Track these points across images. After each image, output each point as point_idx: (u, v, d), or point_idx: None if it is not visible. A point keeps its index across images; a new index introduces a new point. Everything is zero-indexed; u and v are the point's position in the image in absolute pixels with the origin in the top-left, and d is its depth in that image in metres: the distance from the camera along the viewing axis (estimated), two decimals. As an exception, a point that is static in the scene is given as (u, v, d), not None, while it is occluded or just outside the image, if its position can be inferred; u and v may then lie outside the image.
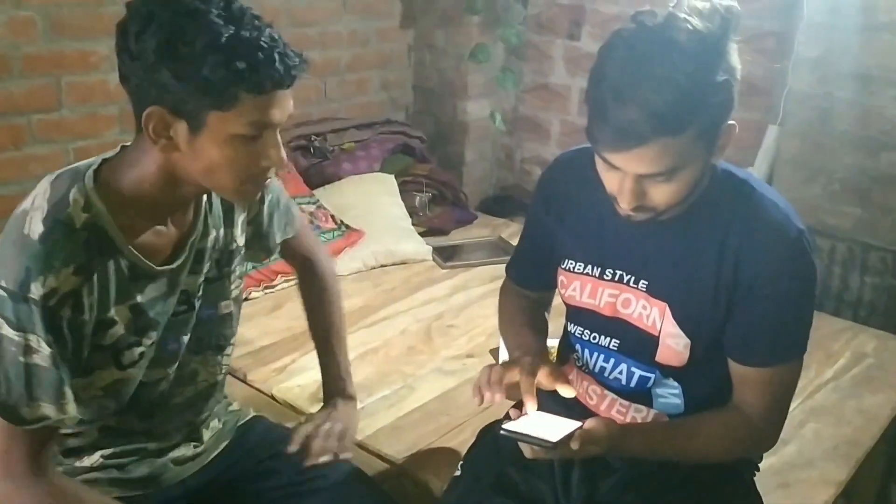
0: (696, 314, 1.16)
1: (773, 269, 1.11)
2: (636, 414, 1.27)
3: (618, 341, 1.24)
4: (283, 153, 1.06)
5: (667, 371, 1.21)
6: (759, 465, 1.37)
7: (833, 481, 1.62)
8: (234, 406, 1.45)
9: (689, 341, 1.17)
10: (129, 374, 1.14)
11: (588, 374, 1.31)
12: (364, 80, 3.10)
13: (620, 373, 1.25)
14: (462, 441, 1.58)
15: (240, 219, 1.27)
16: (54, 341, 1.01)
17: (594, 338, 1.26)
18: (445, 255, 2.59)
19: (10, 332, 1.00)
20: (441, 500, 1.38)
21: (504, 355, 1.93)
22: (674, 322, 1.17)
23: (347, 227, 2.50)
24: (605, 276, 1.23)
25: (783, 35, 2.41)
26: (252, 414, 1.48)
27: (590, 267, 1.25)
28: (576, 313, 1.29)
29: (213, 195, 1.20)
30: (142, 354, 1.14)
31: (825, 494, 1.58)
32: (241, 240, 1.28)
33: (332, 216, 2.50)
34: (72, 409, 1.06)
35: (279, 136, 1.06)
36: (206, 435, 1.35)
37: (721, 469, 1.27)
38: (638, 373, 1.23)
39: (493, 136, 3.29)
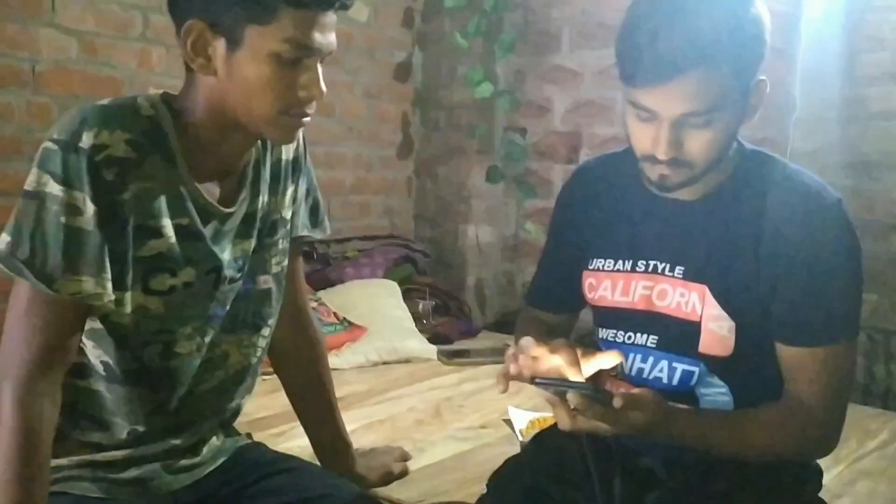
0: (739, 292, 1.08)
1: (815, 237, 1.05)
2: None
3: (655, 337, 1.14)
4: (323, 85, 1.03)
5: (712, 364, 1.11)
6: (823, 481, 1.23)
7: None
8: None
9: (733, 324, 1.08)
10: (151, 306, 1.04)
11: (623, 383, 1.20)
12: (367, 203, 3.15)
13: (661, 371, 1.14)
14: (479, 491, 1.42)
15: (288, 191, 1.21)
16: (98, 202, 0.96)
17: (629, 338, 1.17)
18: (451, 354, 2.48)
19: (55, 188, 0.94)
20: None
21: (517, 422, 1.80)
22: (715, 303, 1.09)
23: (350, 322, 2.42)
24: (637, 269, 1.16)
25: (776, 140, 2.50)
26: (252, 441, 1.34)
27: (621, 262, 1.18)
28: (607, 316, 1.20)
29: (264, 161, 1.16)
30: (172, 288, 1.05)
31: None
32: (286, 212, 1.21)
33: (335, 313, 2.42)
34: (110, 287, 0.99)
35: (320, 68, 1.03)
36: (204, 449, 1.21)
37: (780, 479, 1.13)
38: (680, 368, 1.12)
39: (495, 261, 3.29)
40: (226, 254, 1.10)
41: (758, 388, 1.11)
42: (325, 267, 2.67)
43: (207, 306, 1.10)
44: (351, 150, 3.08)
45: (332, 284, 2.62)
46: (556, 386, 0.97)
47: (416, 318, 2.63)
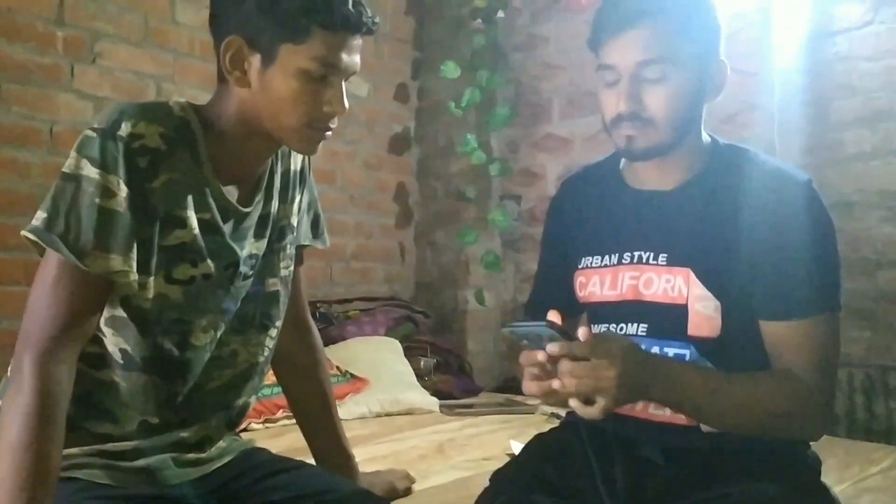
0: (721, 271, 1.13)
1: (787, 213, 1.11)
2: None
3: (646, 325, 1.18)
4: (346, 102, 1.12)
5: (701, 346, 1.14)
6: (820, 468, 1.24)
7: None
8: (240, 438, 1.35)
9: (718, 303, 1.12)
10: (172, 295, 1.10)
11: None
12: (368, 269, 3.22)
13: None
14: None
15: (297, 198, 1.29)
16: (130, 186, 1.03)
17: (621, 329, 1.20)
18: (454, 407, 2.49)
19: (91, 171, 1.01)
20: None
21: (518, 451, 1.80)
22: (700, 284, 1.14)
23: (352, 375, 2.44)
24: (623, 261, 1.21)
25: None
26: (256, 444, 1.36)
27: (608, 257, 1.23)
28: (598, 311, 1.25)
29: (276, 169, 1.23)
30: (192, 279, 1.11)
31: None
32: (294, 219, 1.28)
33: (337, 366, 2.45)
34: (135, 266, 1.05)
35: (344, 87, 1.12)
36: (211, 447, 1.24)
37: (779, 464, 1.15)
38: (671, 352, 1.15)
39: (494, 326, 3.33)
40: (244, 251, 1.17)
41: (746, 371, 1.13)
42: (327, 326, 2.71)
43: (222, 300, 1.16)
44: (352, 217, 3.17)
45: (333, 342, 2.64)
46: (524, 327, 1.01)
47: (418, 374, 2.65)
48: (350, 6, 1.06)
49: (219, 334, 1.17)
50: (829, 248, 1.13)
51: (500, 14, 3.14)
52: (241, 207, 1.15)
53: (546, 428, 2.17)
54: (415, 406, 2.44)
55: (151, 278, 1.08)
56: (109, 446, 1.13)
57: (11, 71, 2.19)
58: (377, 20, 1.11)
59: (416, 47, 3.41)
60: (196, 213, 1.10)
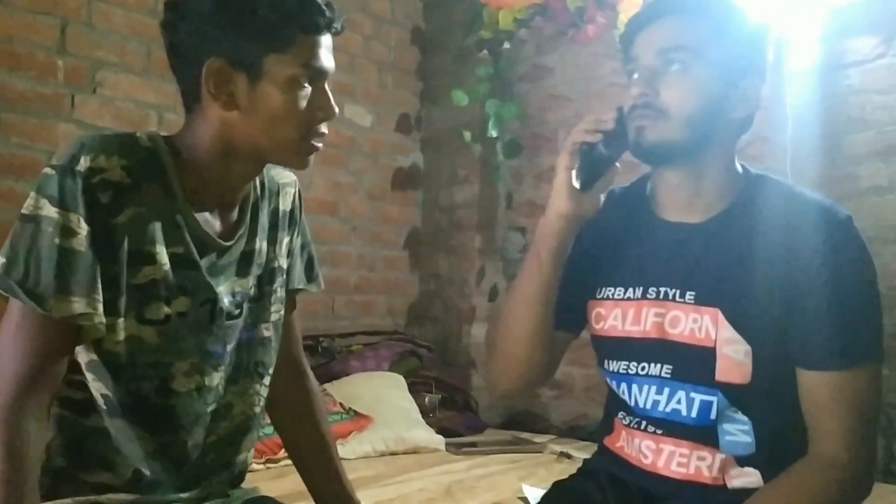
0: (753, 313, 1.06)
1: (829, 255, 1.03)
2: (699, 462, 1.11)
3: (670, 367, 1.11)
4: (335, 105, 1.08)
5: (730, 392, 1.07)
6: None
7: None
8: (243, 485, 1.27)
9: (749, 348, 1.05)
10: (146, 336, 1.03)
11: (638, 428, 1.16)
12: (371, 302, 3.16)
13: (678, 402, 1.11)
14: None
15: (284, 241, 1.23)
16: (92, 223, 0.97)
17: (643, 368, 1.13)
18: (460, 445, 2.42)
19: (50, 210, 0.95)
20: None
21: (532, 500, 1.73)
22: (729, 326, 1.07)
23: (356, 412, 2.37)
24: (648, 296, 1.14)
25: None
26: (261, 493, 1.29)
27: (630, 290, 1.16)
28: (617, 347, 1.17)
29: (262, 207, 1.18)
30: (167, 317, 1.04)
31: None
32: (283, 262, 1.23)
33: (340, 403, 2.38)
34: (100, 308, 0.98)
35: (328, 88, 1.08)
36: (213, 500, 1.17)
37: None
38: (698, 398, 1.09)
39: (500, 361, 3.26)
40: (222, 287, 1.10)
41: (779, 422, 1.08)
42: (329, 360, 2.65)
43: (205, 341, 1.09)
44: (355, 249, 3.12)
45: (336, 377, 2.58)
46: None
47: (423, 411, 2.58)
48: (324, 6, 1.04)
49: (206, 380, 1.10)
50: (872, 292, 1.07)
51: (507, 45, 3.12)
52: (220, 241, 1.09)
53: (556, 468, 2.13)
54: (420, 444, 2.37)
55: (121, 319, 1.01)
56: (104, 498, 1.06)
57: (12, 100, 2.15)
58: (345, 22, 1.10)
59: (419, 78, 3.39)
60: (167, 247, 1.04)
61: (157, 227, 1.03)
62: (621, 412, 1.19)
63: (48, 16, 2.22)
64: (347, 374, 2.60)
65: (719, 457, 1.09)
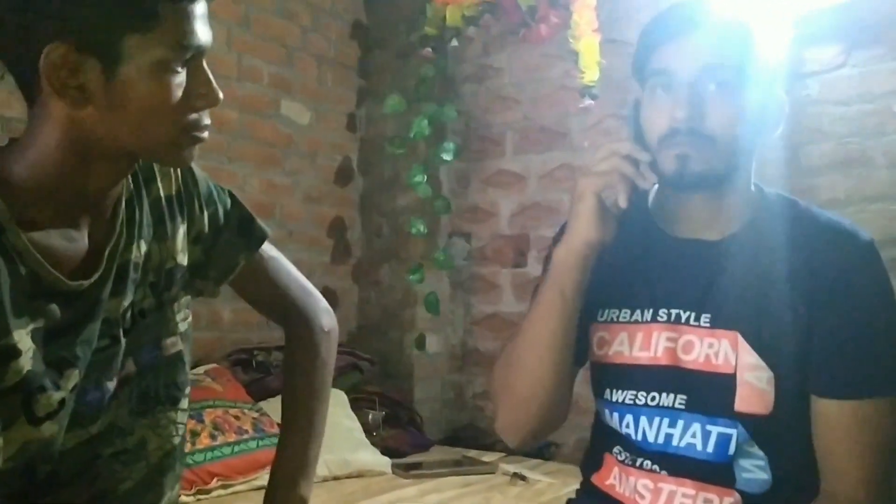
0: (774, 336, 0.99)
1: (853, 278, 0.98)
2: None
3: (684, 396, 1.02)
4: (217, 88, 0.88)
5: (750, 424, 0.99)
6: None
7: None
8: None
9: (771, 374, 0.98)
10: (46, 433, 0.84)
11: (634, 465, 1.06)
12: (308, 311, 2.97)
13: (693, 436, 1.01)
14: None
15: (179, 231, 1.01)
16: None
17: (653, 399, 1.03)
18: (407, 467, 2.28)
19: None
20: None
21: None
22: (751, 350, 0.99)
23: (296, 434, 2.19)
24: (658, 318, 1.04)
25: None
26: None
27: (639, 312, 1.06)
28: (623, 375, 1.06)
29: (139, 200, 0.96)
30: (62, 403, 0.85)
31: None
32: (182, 257, 1.02)
33: (278, 424, 2.20)
34: None
35: (207, 68, 0.88)
36: None
37: None
38: (716, 431, 1.00)
39: (442, 373, 3.13)
40: (97, 325, 0.90)
41: (797, 457, 1.00)
42: (265, 376, 2.46)
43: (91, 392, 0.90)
44: (291, 254, 2.90)
45: (273, 394, 2.39)
46: None
47: (366, 429, 2.42)
48: None
49: (92, 428, 0.91)
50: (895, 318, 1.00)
51: (454, 43, 2.98)
52: (81, 282, 0.86)
53: (511, 492, 2.01)
54: (365, 468, 2.21)
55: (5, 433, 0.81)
56: None
57: None
58: None
59: (361, 74, 3.22)
60: (29, 325, 0.81)
61: (8, 309, 0.80)
62: (617, 447, 1.09)
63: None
64: (285, 391, 2.42)
65: (727, 500, 1.00)
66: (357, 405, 2.50)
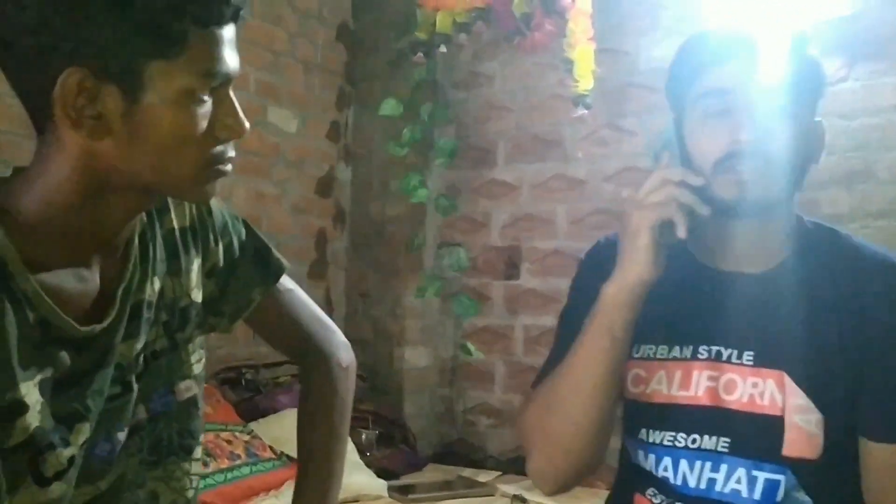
0: (822, 377, 0.93)
1: None
2: None
3: (727, 439, 0.96)
4: (244, 119, 0.81)
5: (799, 469, 0.93)
6: None
7: None
8: None
9: (821, 416, 0.92)
10: (54, 494, 0.76)
11: None
12: (295, 325, 2.89)
13: (738, 482, 0.95)
14: None
15: (193, 266, 0.94)
16: None
17: (693, 441, 0.97)
18: (404, 491, 2.21)
19: None
20: None
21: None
22: (799, 391, 0.93)
23: (289, 457, 2.11)
24: (698, 356, 0.98)
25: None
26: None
27: (677, 349, 1.00)
28: (661, 415, 1.00)
29: (153, 233, 0.89)
30: (71, 460, 0.77)
31: None
32: (196, 294, 0.95)
33: (271, 447, 2.12)
34: None
35: (234, 97, 0.81)
36: None
37: None
38: (762, 477, 0.94)
39: (432, 387, 3.06)
40: (109, 372, 0.83)
41: None
42: (254, 395, 2.38)
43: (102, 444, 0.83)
44: (278, 267, 2.84)
45: (263, 414, 2.32)
46: None
47: (360, 449, 2.35)
48: None
49: (101, 484, 0.84)
50: None
51: (443, 49, 2.91)
52: (94, 327, 0.80)
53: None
54: (362, 492, 2.15)
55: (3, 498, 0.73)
56: None
57: None
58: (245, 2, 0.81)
59: (348, 81, 3.14)
60: (36, 377, 0.75)
61: (15, 361, 0.73)
62: (651, 489, 1.02)
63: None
64: (276, 411, 2.34)
65: None
66: (350, 424, 2.42)
